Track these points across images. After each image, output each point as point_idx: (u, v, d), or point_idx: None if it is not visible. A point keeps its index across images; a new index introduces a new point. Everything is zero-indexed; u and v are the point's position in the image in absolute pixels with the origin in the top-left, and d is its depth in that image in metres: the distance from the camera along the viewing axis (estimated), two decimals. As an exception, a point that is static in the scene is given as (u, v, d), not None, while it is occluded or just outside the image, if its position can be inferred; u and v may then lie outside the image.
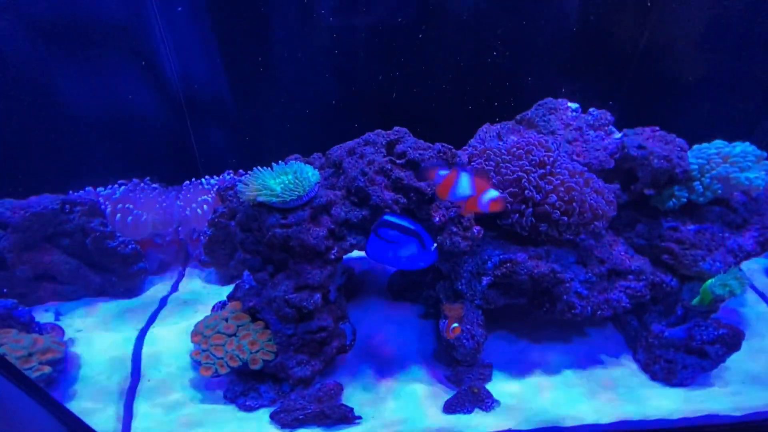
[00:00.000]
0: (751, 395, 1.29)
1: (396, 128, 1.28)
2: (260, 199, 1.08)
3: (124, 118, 1.76)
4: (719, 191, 1.26)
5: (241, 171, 1.72)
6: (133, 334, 1.42)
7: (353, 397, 1.28)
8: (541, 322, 1.46)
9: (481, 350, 1.29)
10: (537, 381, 1.34)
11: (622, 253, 1.31)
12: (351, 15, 1.68)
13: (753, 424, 1.27)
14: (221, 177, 1.69)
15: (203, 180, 1.70)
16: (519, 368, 1.38)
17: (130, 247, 1.54)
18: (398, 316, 1.56)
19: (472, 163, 1.27)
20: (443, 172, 0.93)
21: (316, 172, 1.16)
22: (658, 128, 1.30)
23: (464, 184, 0.91)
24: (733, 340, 1.27)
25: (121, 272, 1.58)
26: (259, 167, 1.13)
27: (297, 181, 1.09)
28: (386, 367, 1.37)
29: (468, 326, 1.27)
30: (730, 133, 1.36)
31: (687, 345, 1.29)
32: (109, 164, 1.79)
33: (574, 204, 1.12)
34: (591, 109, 1.41)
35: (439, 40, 1.70)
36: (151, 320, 1.49)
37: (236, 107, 1.83)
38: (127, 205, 1.55)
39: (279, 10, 1.64)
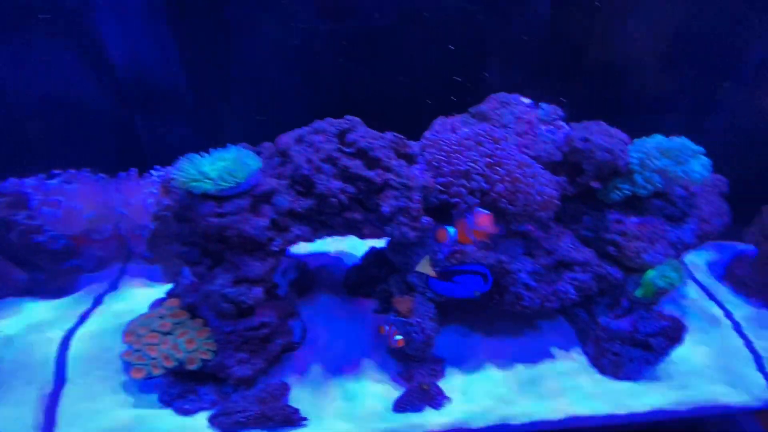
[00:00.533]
0: (695, 389, 1.31)
1: (348, 117, 1.25)
2: (194, 185, 1.02)
3: (61, 104, 1.64)
4: (659, 184, 1.30)
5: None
6: (59, 335, 1.31)
7: (301, 397, 1.23)
8: (494, 316, 1.46)
9: (432, 344, 1.26)
10: (489, 375, 1.33)
11: (570, 245, 1.33)
12: (311, 8, 1.65)
13: (697, 420, 1.31)
14: (168, 168, 1.60)
15: (151, 171, 1.61)
16: (472, 363, 1.37)
17: (60, 242, 1.43)
18: (352, 312, 1.52)
19: (425, 153, 1.26)
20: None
21: (258, 159, 1.10)
22: (602, 123, 1.33)
23: (451, 231, 1.12)
24: (674, 333, 1.30)
25: (51, 270, 1.46)
26: (193, 156, 1.06)
27: (235, 167, 1.04)
28: (337, 365, 1.33)
29: (418, 320, 1.24)
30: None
31: (632, 337, 1.31)
32: (45, 154, 1.66)
33: (519, 194, 1.12)
34: (542, 104, 1.43)
35: (400, 36, 1.69)
36: (82, 320, 1.38)
37: (190, 94, 1.74)
38: (57, 198, 1.43)
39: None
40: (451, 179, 1.16)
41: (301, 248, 1.71)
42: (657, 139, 1.31)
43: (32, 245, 1.41)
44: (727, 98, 1.73)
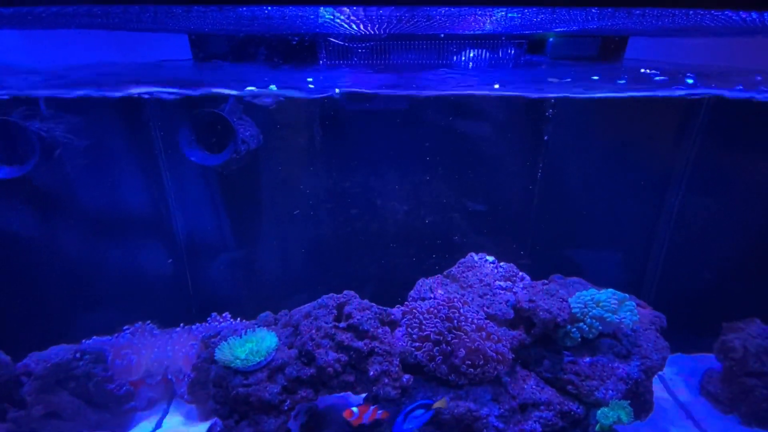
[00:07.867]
0: None
1: (345, 292, 1.64)
2: (229, 364, 1.40)
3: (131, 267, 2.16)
4: (600, 328, 1.57)
5: (225, 314, 2.06)
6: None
7: None
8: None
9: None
10: None
11: (533, 387, 1.57)
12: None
13: None
14: (207, 322, 2.02)
15: (192, 327, 2.02)
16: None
17: (124, 389, 1.82)
18: (355, 449, 1.74)
19: (404, 319, 1.60)
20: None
21: (275, 338, 1.48)
22: (548, 281, 1.64)
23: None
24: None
25: (115, 410, 1.83)
26: (230, 338, 1.46)
27: (258, 347, 1.41)
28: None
29: (406, 461, 1.48)
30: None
31: (598, 471, 1.48)
32: (121, 308, 2.13)
33: (478, 353, 1.42)
34: (501, 264, 1.78)
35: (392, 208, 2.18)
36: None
37: (231, 257, 2.23)
38: (125, 352, 1.86)
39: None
40: (420, 344, 1.48)
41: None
42: (590, 292, 1.61)
43: (104, 391, 1.80)
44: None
